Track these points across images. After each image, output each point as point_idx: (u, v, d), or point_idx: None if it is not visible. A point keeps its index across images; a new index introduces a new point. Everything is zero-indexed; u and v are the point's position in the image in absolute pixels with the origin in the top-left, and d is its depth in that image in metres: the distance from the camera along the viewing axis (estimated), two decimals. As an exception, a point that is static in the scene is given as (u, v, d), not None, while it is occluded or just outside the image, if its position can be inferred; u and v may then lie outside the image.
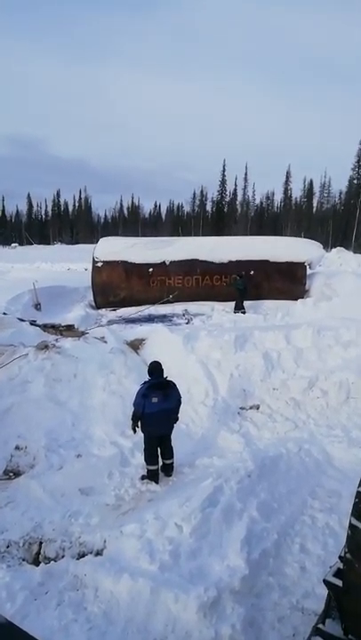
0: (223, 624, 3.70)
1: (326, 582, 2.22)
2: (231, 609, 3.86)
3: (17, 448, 6.42)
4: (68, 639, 3.60)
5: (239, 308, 13.96)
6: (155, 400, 5.78)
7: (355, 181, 63.50)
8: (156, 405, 5.78)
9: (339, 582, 2.06)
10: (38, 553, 4.75)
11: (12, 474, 6.04)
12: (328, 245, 44.94)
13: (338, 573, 2.14)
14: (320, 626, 2.23)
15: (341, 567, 2.01)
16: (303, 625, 3.89)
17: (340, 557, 2.05)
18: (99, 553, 4.62)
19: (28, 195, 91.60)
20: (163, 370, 6.08)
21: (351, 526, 1.85)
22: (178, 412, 6.14)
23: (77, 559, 4.52)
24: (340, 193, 71.05)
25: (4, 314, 11.11)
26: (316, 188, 75.39)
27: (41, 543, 4.84)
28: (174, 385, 6.05)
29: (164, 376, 6.06)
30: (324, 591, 3.92)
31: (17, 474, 6.04)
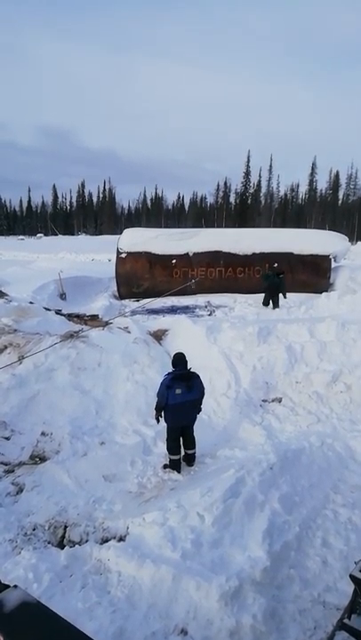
0: (244, 613, 3.73)
1: (353, 577, 2.21)
2: (252, 599, 3.89)
3: (43, 434, 6.55)
4: (92, 621, 3.69)
5: (268, 304, 13.25)
6: (178, 391, 5.81)
7: (383, 173, 61.97)
8: (180, 397, 5.81)
9: (366, 577, 2.06)
10: (63, 536, 4.87)
11: (37, 459, 6.18)
12: (353, 238, 44.09)
13: (365, 568, 2.13)
14: (346, 620, 2.22)
15: (369, 562, 2.00)
16: (324, 619, 3.89)
17: (367, 552, 2.04)
18: (122, 539, 4.71)
19: (54, 186, 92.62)
20: (187, 361, 6.10)
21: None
22: (201, 404, 6.16)
23: (101, 544, 4.62)
24: (368, 184, 69.46)
25: (31, 303, 11.29)
26: (343, 180, 73.90)
27: (66, 527, 4.96)
28: (198, 376, 6.07)
29: (188, 367, 6.08)
30: (346, 586, 3.92)
31: (43, 459, 6.17)
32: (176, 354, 6.21)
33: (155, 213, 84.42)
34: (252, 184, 76.10)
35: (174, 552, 4.30)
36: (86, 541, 4.74)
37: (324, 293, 13.73)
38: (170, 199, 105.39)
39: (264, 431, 7.04)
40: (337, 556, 4.63)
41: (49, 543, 4.74)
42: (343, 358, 8.59)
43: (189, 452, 6.14)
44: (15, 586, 2.40)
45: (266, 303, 13.30)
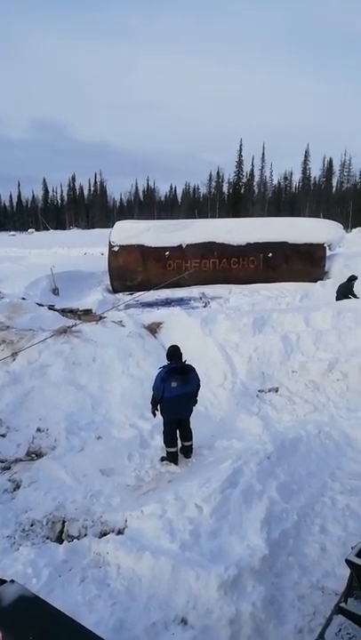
0: (244, 602, 3.75)
1: (349, 562, 2.22)
2: (252, 587, 3.90)
3: (38, 430, 6.54)
4: (92, 614, 3.70)
5: None
6: (174, 384, 5.80)
7: (376, 159, 61.86)
8: (176, 390, 5.80)
9: (361, 562, 2.07)
10: (61, 531, 4.87)
11: (34, 455, 6.16)
12: (348, 226, 44.06)
13: (360, 553, 2.13)
14: (342, 604, 2.24)
15: (364, 547, 2.01)
16: (323, 604, 3.92)
17: (363, 538, 2.04)
18: (120, 532, 4.71)
19: (44, 180, 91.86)
20: (181, 354, 6.08)
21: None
22: (197, 396, 6.15)
23: (99, 537, 4.61)
24: (361, 171, 69.31)
25: (23, 299, 11.24)
26: (336, 167, 73.71)
27: (64, 522, 4.95)
28: (193, 369, 6.05)
29: (183, 360, 6.06)
30: (344, 571, 3.93)
31: (39, 455, 6.16)
32: (171, 346, 6.19)
33: (147, 205, 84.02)
34: (244, 173, 75.91)
35: (173, 543, 4.30)
36: (85, 535, 4.74)
37: (319, 282, 13.76)
38: (162, 190, 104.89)
39: (261, 421, 7.06)
40: (335, 542, 4.66)
41: (47, 538, 4.74)
42: (339, 346, 8.61)
43: (186, 444, 6.15)
44: (12, 580, 2.40)
45: None
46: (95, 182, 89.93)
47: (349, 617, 2.17)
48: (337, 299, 11.69)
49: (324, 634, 2.21)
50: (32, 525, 4.90)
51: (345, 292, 11.84)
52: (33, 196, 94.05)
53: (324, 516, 5.03)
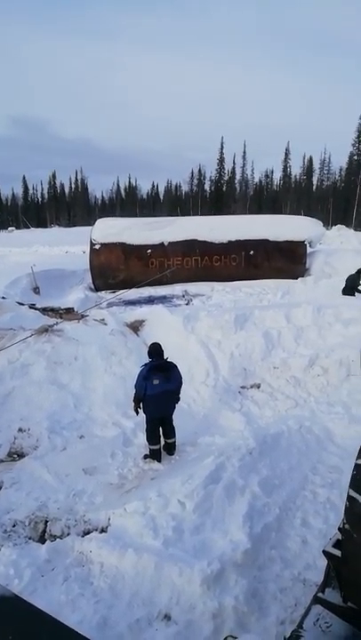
0: (226, 596, 3.79)
1: (326, 553, 2.27)
2: (234, 581, 3.95)
3: (20, 430, 6.48)
4: (75, 612, 3.69)
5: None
6: (156, 382, 5.81)
7: (355, 157, 62.65)
8: (158, 387, 5.81)
9: (337, 552, 2.11)
10: (44, 531, 4.84)
11: (15, 455, 6.11)
12: (328, 223, 44.55)
13: (337, 544, 2.18)
14: (320, 595, 2.29)
15: (340, 538, 2.05)
16: (305, 595, 3.98)
17: (339, 529, 2.09)
18: (103, 530, 4.71)
19: (24, 177, 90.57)
20: (163, 351, 6.09)
21: (349, 498, 1.88)
22: (179, 393, 6.17)
23: (82, 536, 4.61)
24: (341, 169, 70.18)
25: (3, 298, 11.09)
26: (316, 165, 74.41)
27: (46, 522, 4.93)
28: (175, 366, 6.07)
29: (165, 357, 6.08)
30: (325, 563, 4.02)
31: (21, 455, 6.11)
32: (152, 344, 6.20)
33: (129, 203, 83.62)
34: (226, 171, 76.08)
35: (156, 540, 4.32)
36: (68, 535, 4.72)
37: (300, 278, 13.92)
38: (144, 188, 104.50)
39: (243, 417, 7.12)
40: (316, 534, 4.73)
41: (30, 539, 4.71)
42: (320, 342, 8.73)
43: (169, 441, 6.17)
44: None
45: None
46: (76, 180, 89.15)
47: (327, 606, 2.22)
48: (344, 289, 11.65)
49: (302, 623, 2.26)
50: (14, 526, 4.86)
51: (352, 283, 11.80)
52: (13, 193, 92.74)
53: (305, 510, 5.10)
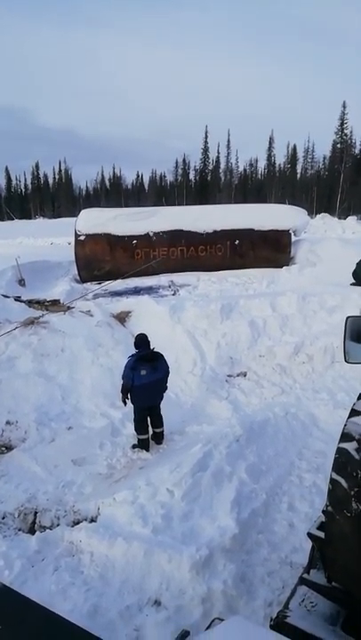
0: (215, 580, 3.87)
1: (310, 535, 2.32)
2: (223, 566, 4.02)
3: (8, 423, 6.46)
4: (66, 601, 3.73)
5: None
6: (143, 372, 5.82)
7: (338, 146, 62.83)
8: (145, 377, 5.83)
9: (321, 534, 2.16)
10: (34, 522, 4.87)
11: (4, 448, 6.10)
12: (313, 211, 44.75)
13: (321, 526, 2.23)
14: (305, 576, 2.34)
15: (324, 520, 2.11)
16: (292, 578, 4.06)
17: (323, 511, 2.14)
18: (93, 520, 4.75)
19: (6, 168, 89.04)
20: (149, 342, 6.11)
21: (332, 480, 1.93)
22: (167, 383, 6.21)
23: (72, 526, 4.65)
24: (324, 158, 70.33)
25: (-12, 291, 10.95)
26: (300, 154, 74.43)
27: (36, 513, 4.95)
28: (162, 356, 6.09)
29: (152, 347, 6.09)
30: (310, 545, 4.11)
31: (9, 448, 6.10)
32: (138, 335, 6.21)
33: (114, 193, 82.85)
34: (211, 160, 75.72)
35: (145, 528, 4.38)
36: (57, 525, 4.76)
37: (284, 267, 13.98)
38: (129, 178, 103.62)
39: (230, 405, 7.19)
40: (303, 518, 4.83)
41: (19, 530, 4.73)
42: (305, 330, 8.83)
43: (157, 430, 6.21)
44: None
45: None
46: (60, 170, 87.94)
47: (312, 587, 2.27)
48: (354, 272, 11.17)
49: (288, 604, 2.31)
50: (3, 518, 4.87)
51: None
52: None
53: (291, 494, 5.20)
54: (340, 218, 34.60)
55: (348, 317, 2.79)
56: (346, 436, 1.95)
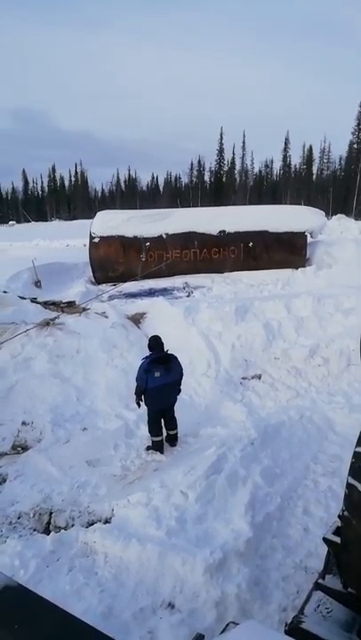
0: (229, 584, 3.84)
1: (326, 540, 2.30)
2: (237, 570, 4.00)
3: (23, 423, 6.53)
4: (81, 601, 3.75)
5: None
6: (157, 374, 5.83)
7: (355, 146, 62.16)
8: (159, 380, 5.84)
9: (337, 539, 2.14)
10: (49, 523, 4.90)
11: (19, 448, 6.16)
12: (329, 213, 44.29)
13: (337, 531, 2.21)
14: (320, 581, 2.32)
15: (340, 525, 2.08)
16: (307, 583, 4.02)
17: (339, 516, 2.12)
18: (107, 521, 4.77)
19: (23, 171, 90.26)
20: (163, 344, 6.11)
21: (348, 485, 1.90)
22: (180, 385, 6.20)
23: (87, 527, 4.67)
24: (341, 158, 69.65)
25: (5, 292, 11.09)
26: (316, 154, 73.84)
27: (51, 513, 4.99)
28: (175, 358, 6.09)
29: (165, 349, 6.09)
30: (326, 550, 4.07)
31: (25, 448, 6.16)
32: (152, 337, 6.21)
33: (129, 195, 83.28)
34: (226, 161, 75.63)
35: (159, 530, 4.37)
36: (72, 526, 4.78)
37: (300, 269, 13.87)
38: (144, 180, 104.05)
39: (245, 408, 7.16)
40: (318, 523, 4.78)
41: (34, 530, 4.77)
42: (320, 332, 8.74)
43: (171, 432, 6.21)
44: (-5, 571, 2.42)
45: None
46: (76, 173, 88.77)
47: (327, 592, 2.25)
48: None
49: (303, 609, 2.29)
50: (19, 518, 4.92)
51: None
52: (13, 187, 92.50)
53: (306, 499, 5.15)
54: (356, 219, 34.22)
55: None
56: (362, 441, 1.93)
